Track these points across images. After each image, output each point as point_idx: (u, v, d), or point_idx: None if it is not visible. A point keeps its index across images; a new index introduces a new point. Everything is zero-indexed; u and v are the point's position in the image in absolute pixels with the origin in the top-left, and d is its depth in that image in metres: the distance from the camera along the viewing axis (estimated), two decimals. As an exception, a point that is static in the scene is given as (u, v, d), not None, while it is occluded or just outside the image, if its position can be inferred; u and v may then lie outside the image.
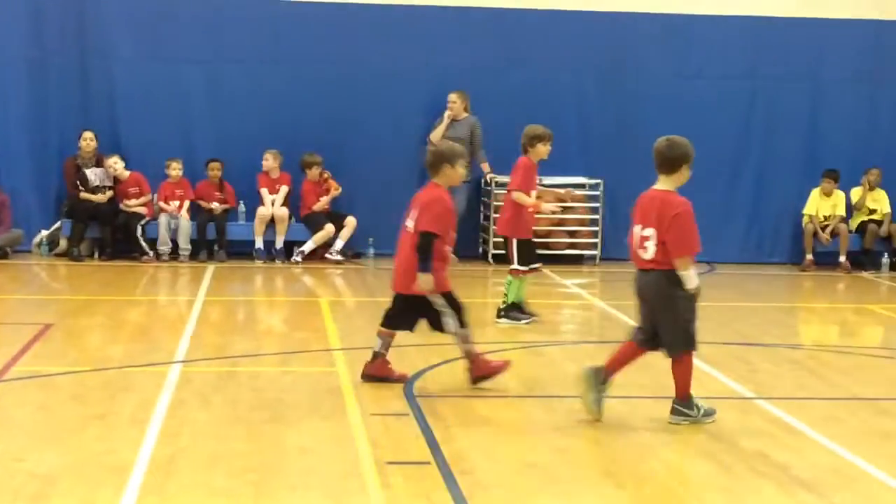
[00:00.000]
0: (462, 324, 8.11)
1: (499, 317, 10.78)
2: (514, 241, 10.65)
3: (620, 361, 7.51)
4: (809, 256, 15.43)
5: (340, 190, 15.39)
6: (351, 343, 9.70)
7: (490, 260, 15.32)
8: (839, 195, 15.49)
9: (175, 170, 15.17)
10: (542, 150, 10.50)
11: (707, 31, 15.66)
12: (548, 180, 15.44)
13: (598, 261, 15.33)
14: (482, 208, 15.66)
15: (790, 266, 15.61)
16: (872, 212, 15.44)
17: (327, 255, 15.17)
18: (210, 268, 14.45)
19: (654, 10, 15.64)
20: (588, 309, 12.36)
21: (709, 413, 7.46)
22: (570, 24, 15.59)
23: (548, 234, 15.43)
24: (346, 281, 14.19)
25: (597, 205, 15.48)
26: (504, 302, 10.83)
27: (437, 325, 8.14)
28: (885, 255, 15.47)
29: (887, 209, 15.49)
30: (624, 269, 14.92)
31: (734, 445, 6.94)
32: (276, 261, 15.02)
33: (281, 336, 10.66)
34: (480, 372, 8.20)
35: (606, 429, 7.30)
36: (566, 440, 6.98)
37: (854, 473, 6.50)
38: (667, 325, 7.27)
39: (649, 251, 7.23)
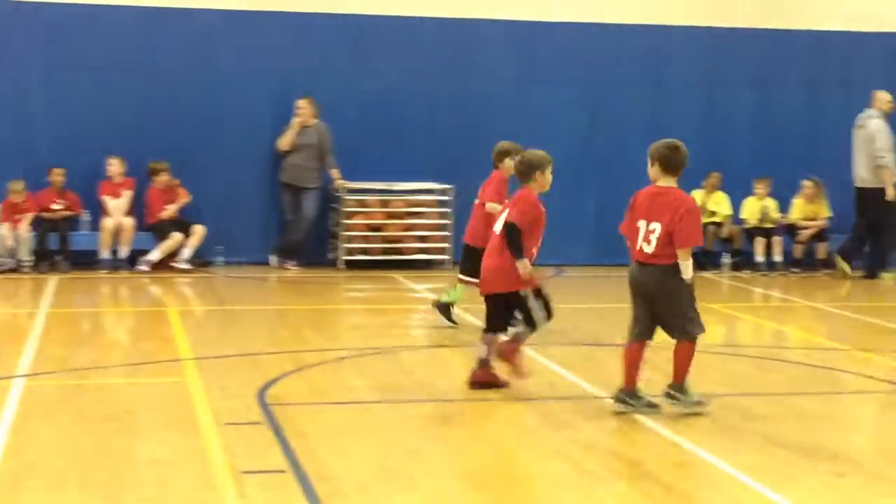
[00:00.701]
0: (548, 317, 8.39)
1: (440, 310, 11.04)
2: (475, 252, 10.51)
3: (634, 368, 7.77)
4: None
5: (190, 198, 15.15)
6: (201, 353, 9.56)
7: (340, 266, 15.28)
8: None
9: (15, 193, 14.67)
10: (509, 164, 10.42)
11: (552, 36, 15.89)
12: (397, 186, 15.55)
13: (448, 265, 15.40)
14: (331, 215, 15.59)
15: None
16: (713, 214, 15.85)
17: (174, 264, 14.92)
18: (53, 279, 14.07)
19: (500, 16, 15.81)
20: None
21: (700, 402, 7.75)
22: (418, 29, 15.66)
23: (399, 239, 15.46)
24: (194, 290, 13.98)
25: (447, 210, 15.56)
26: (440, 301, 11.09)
27: (529, 320, 8.35)
28: (726, 255, 15.92)
29: (728, 211, 15.92)
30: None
31: (588, 444, 7.04)
32: (121, 270, 14.71)
33: (128, 347, 10.44)
34: (487, 378, 8.38)
35: (462, 431, 7.34)
36: (422, 443, 6.99)
37: (701, 466, 6.66)
38: (674, 313, 7.64)
39: (652, 244, 7.59)
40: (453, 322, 11.06)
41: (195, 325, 11.38)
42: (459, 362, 9.39)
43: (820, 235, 15.82)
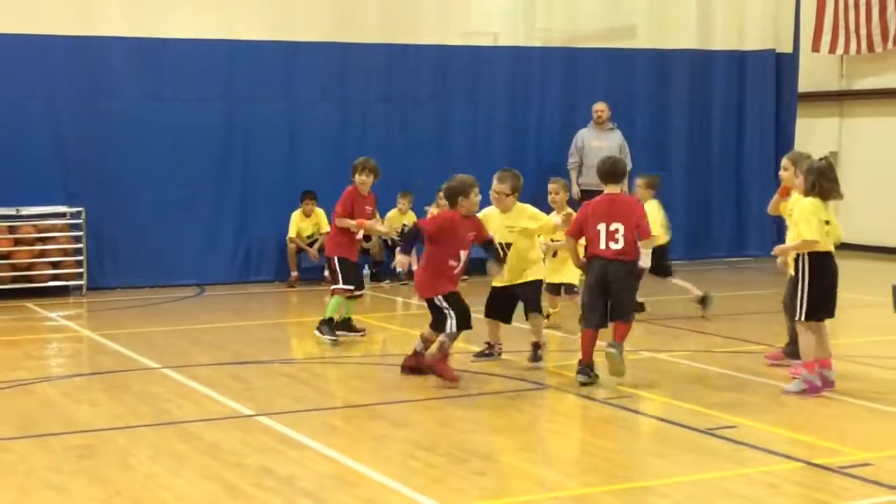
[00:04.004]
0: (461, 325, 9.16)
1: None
2: (336, 260, 11.23)
3: (592, 347, 9.15)
4: (294, 273, 15.82)
5: None
6: None
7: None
8: (319, 213, 15.87)
9: None
10: (360, 179, 11.35)
11: (182, 53, 15.61)
12: (25, 211, 14.82)
13: (84, 291, 14.85)
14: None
15: (277, 283, 15.92)
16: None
17: None
18: None
19: (127, 34, 15.37)
20: (77, 341, 11.95)
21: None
22: (42, 48, 14.97)
23: (29, 266, 14.76)
24: None
25: (80, 233, 14.98)
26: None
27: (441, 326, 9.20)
28: (366, 266, 16.11)
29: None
30: (112, 297, 14.64)
31: (238, 464, 6.97)
32: None
33: None
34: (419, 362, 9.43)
35: (107, 462, 7.08)
36: (63, 478, 6.70)
37: (355, 478, 6.73)
38: (626, 300, 9.18)
39: (620, 242, 9.00)
40: (359, 330, 11.55)
41: None
42: (100, 392, 9.09)
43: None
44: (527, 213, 9.88)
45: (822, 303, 8.67)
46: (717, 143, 18.63)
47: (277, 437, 7.61)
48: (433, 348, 9.36)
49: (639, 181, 12.63)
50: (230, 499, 6.32)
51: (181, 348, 11.00)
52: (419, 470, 6.84)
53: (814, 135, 18.88)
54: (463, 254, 9.27)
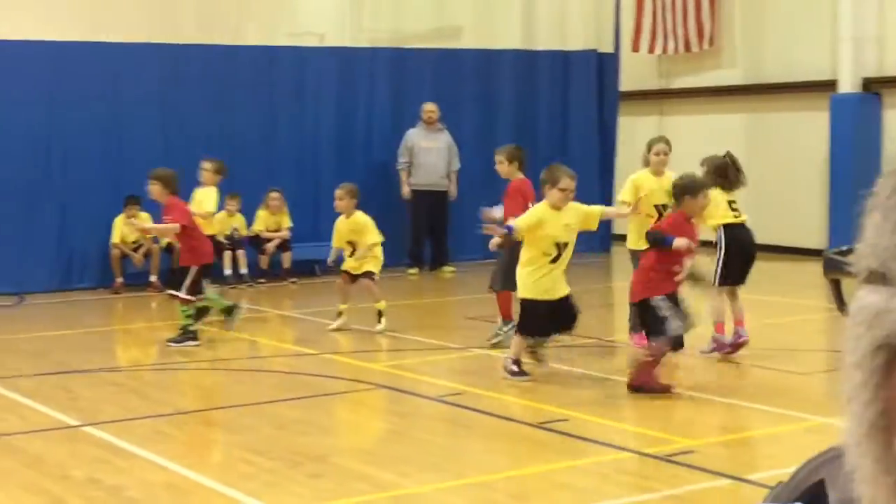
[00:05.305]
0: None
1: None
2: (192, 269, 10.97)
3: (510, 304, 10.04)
4: (119, 279, 15.45)
5: None
6: None
7: None
8: (143, 218, 15.50)
9: None
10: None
11: (1, 56, 15.09)
12: None
13: None
14: None
15: (102, 290, 15.52)
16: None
17: None
18: None
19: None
20: None
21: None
22: None
23: None
24: None
25: None
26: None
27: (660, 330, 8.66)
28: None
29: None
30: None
31: (64, 476, 6.77)
32: None
33: None
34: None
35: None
36: None
37: (187, 486, 6.61)
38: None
39: None
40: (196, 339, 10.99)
41: None
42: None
43: (284, 245, 16.21)
44: (580, 209, 9.45)
45: (732, 271, 9.88)
46: (544, 142, 18.91)
47: (105, 447, 7.42)
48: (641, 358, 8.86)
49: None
50: (56, 512, 6.14)
51: (0, 360, 10.63)
52: (253, 475, 6.74)
53: (636, 133, 19.31)
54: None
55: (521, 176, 10.84)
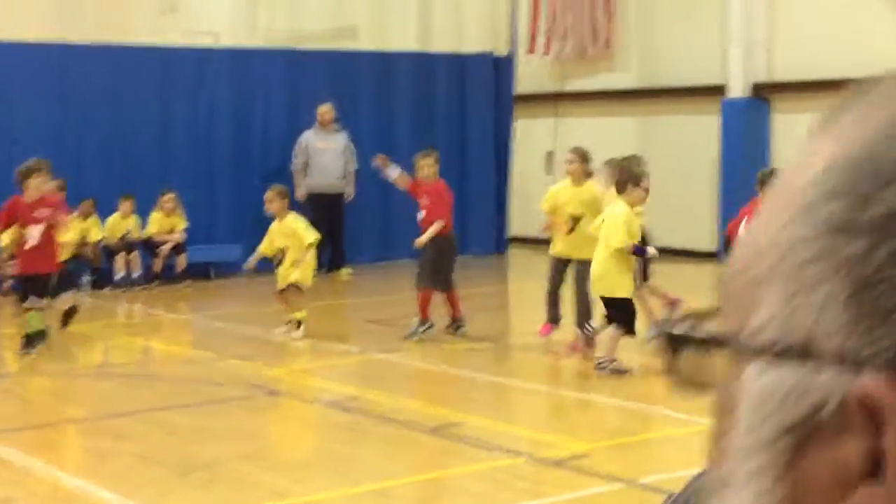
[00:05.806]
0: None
1: None
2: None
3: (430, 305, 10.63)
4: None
5: None
6: None
7: None
8: None
9: None
10: (32, 184, 10.23)
11: None
12: None
13: None
14: None
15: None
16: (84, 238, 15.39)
17: None
18: None
19: None
20: None
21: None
22: None
23: None
24: None
25: None
26: None
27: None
28: (85, 275, 15.54)
29: (97, 237, 15.51)
30: None
31: (-51, 488, 6.62)
32: None
33: None
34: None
35: None
36: None
37: (77, 496, 6.50)
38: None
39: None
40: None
41: None
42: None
43: (178, 248, 16.00)
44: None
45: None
46: (441, 144, 18.87)
47: (-7, 458, 7.27)
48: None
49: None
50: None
51: None
52: (144, 484, 6.66)
53: (532, 136, 19.48)
54: None
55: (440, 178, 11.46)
